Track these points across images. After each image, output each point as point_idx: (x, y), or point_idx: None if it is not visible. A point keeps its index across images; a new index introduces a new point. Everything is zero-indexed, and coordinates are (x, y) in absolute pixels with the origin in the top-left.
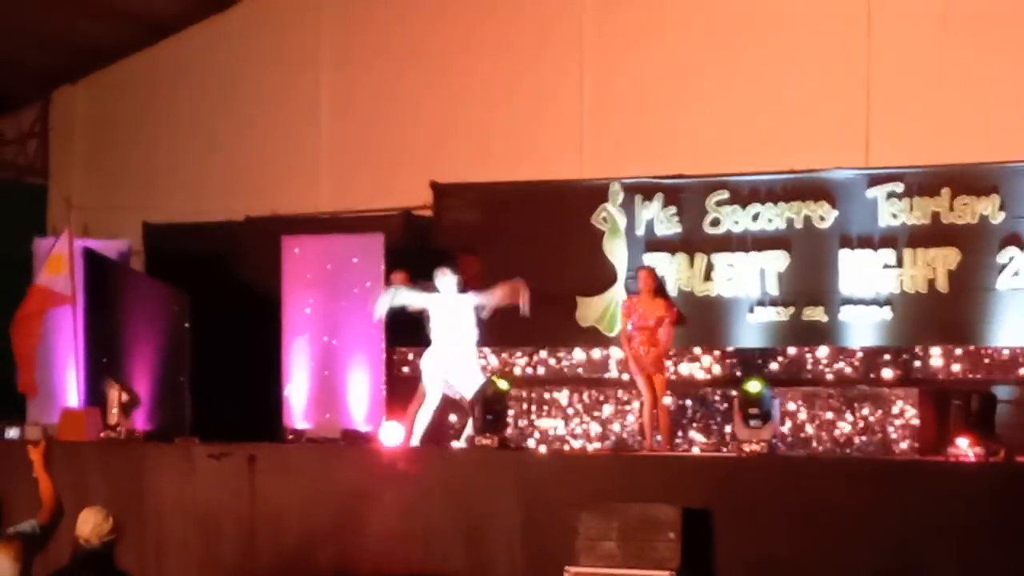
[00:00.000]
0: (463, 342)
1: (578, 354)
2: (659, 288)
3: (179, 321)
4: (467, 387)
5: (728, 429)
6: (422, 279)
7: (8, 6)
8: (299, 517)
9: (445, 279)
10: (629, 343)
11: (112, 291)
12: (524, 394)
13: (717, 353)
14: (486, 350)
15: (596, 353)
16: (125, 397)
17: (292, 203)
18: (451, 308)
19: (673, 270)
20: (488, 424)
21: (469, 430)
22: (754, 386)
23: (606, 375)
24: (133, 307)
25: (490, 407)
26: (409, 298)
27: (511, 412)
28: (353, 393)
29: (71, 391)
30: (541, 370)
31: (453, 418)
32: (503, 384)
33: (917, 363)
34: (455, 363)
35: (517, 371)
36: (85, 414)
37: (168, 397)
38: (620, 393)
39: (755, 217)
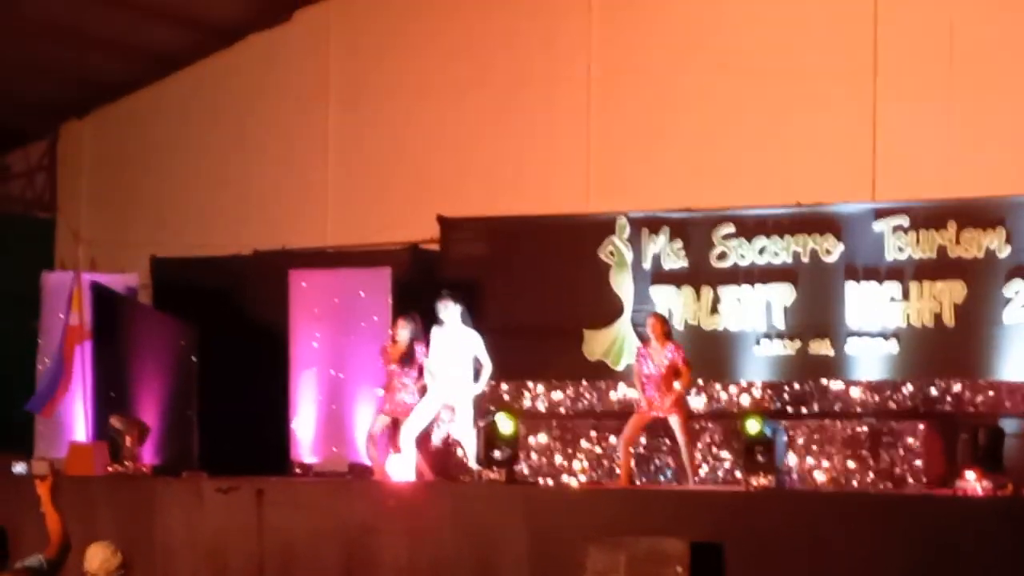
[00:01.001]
0: (463, 375)
1: (586, 387)
2: (668, 334)
3: (187, 355)
4: (461, 422)
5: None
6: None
7: (16, 41)
8: (307, 551)
9: (448, 309)
10: (643, 390)
11: (120, 325)
12: (529, 428)
13: (724, 385)
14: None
15: (603, 386)
16: (137, 428)
17: (300, 237)
18: (453, 339)
19: (679, 303)
20: (496, 458)
21: (471, 459)
22: (755, 424)
23: (614, 408)
24: (141, 341)
25: (498, 441)
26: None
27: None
28: (360, 427)
29: (79, 425)
30: (547, 403)
31: (460, 452)
32: (507, 426)
33: (924, 396)
34: (454, 396)
35: (527, 403)
36: (93, 448)
37: (176, 431)
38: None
39: (761, 250)
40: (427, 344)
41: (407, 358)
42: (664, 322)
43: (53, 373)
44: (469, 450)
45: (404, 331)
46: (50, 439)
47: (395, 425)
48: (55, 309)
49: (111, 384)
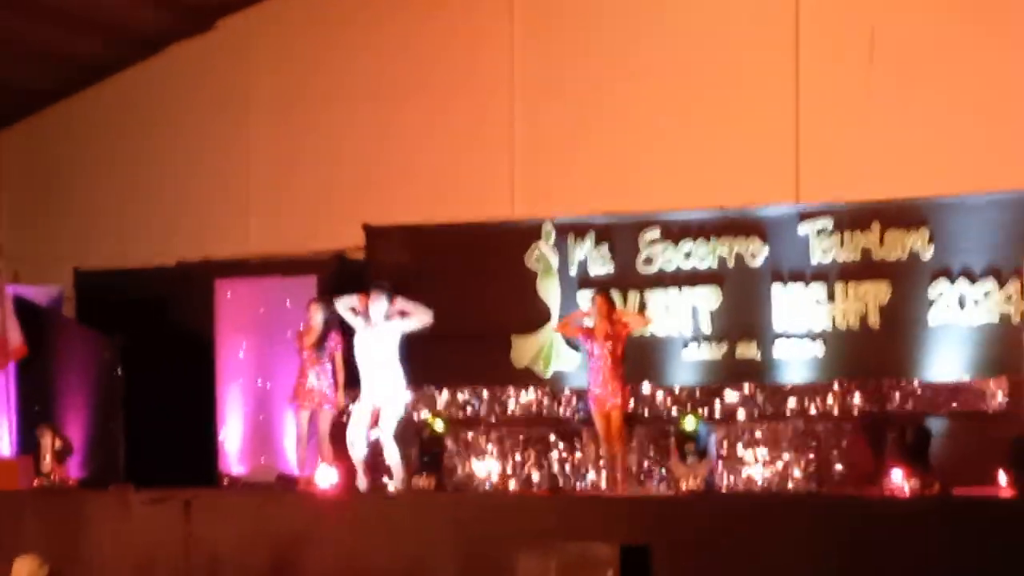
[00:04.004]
0: (389, 370)
1: (513, 394)
2: (611, 312)
3: (111, 368)
4: (387, 417)
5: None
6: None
7: None
8: (235, 562)
9: (376, 304)
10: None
11: (43, 338)
12: (459, 434)
13: (652, 390)
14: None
15: (532, 393)
16: (59, 444)
17: (224, 247)
18: (377, 334)
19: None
20: (425, 465)
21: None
22: (690, 423)
23: (543, 414)
24: (64, 354)
25: (426, 448)
26: (348, 316)
27: (448, 453)
28: (288, 437)
29: (2, 439)
30: (476, 410)
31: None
32: (439, 426)
33: (850, 397)
34: (380, 391)
35: (460, 411)
36: (18, 463)
37: (101, 444)
38: (551, 437)
39: (687, 255)
40: (342, 334)
41: (320, 344)
42: (608, 302)
43: None
44: (392, 453)
45: (318, 315)
46: None
47: (311, 420)
48: None
49: (35, 398)
